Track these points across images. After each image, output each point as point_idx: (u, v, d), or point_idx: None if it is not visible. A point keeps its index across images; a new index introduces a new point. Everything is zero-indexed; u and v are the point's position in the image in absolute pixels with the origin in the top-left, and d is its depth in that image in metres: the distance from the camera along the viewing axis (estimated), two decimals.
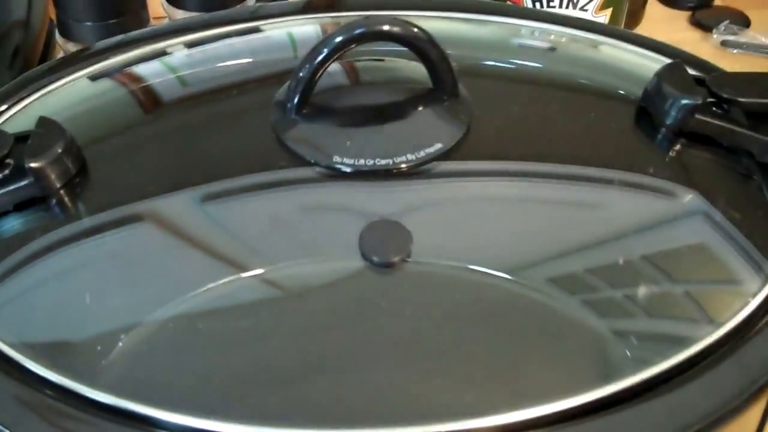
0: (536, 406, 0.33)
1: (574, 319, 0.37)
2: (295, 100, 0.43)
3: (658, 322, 0.37)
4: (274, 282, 0.38)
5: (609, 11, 0.71)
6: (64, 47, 0.61)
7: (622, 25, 0.73)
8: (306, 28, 0.53)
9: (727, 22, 0.89)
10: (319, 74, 0.42)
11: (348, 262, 0.38)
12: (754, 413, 0.38)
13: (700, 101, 0.43)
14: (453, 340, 0.36)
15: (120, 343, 0.35)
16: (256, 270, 0.38)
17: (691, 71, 0.46)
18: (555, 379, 0.35)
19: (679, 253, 0.40)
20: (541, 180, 0.43)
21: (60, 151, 0.41)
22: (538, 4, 0.70)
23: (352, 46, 0.42)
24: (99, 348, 0.35)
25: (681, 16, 0.92)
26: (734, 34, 0.88)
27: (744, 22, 0.91)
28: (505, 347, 0.36)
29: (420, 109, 0.44)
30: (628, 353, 0.36)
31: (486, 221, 0.40)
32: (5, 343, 0.36)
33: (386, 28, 0.42)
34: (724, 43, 0.87)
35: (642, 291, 0.38)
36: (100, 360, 0.35)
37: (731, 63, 0.84)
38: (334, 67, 0.45)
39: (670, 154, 0.43)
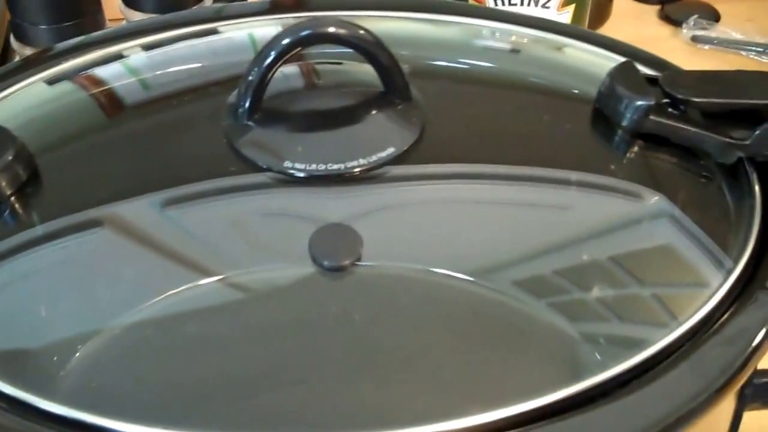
0: (488, 411, 0.32)
1: (527, 320, 0.37)
2: (246, 104, 0.42)
3: (613, 323, 0.37)
4: (227, 289, 0.37)
5: (572, 8, 0.70)
6: (20, 52, 0.60)
7: (587, 22, 0.73)
8: (267, 29, 0.52)
9: (696, 16, 0.89)
10: (267, 78, 0.42)
11: (300, 268, 0.37)
12: (723, 415, 0.38)
13: (653, 102, 0.42)
14: (408, 343, 0.36)
15: (75, 353, 0.35)
16: (210, 278, 0.38)
17: (648, 70, 0.46)
18: (510, 383, 0.34)
19: (636, 254, 0.39)
20: (496, 183, 0.43)
21: (10, 158, 0.40)
22: (500, 2, 0.70)
23: (299, 48, 0.42)
24: (53, 358, 0.35)
25: (650, 11, 0.92)
26: (704, 29, 0.88)
27: (713, 16, 0.91)
28: (458, 349, 0.35)
29: (372, 113, 0.43)
30: (585, 355, 0.35)
31: (440, 224, 0.40)
32: None
33: (332, 30, 0.42)
34: (695, 39, 0.87)
35: (596, 292, 0.38)
36: (55, 371, 0.34)
37: (702, 60, 0.84)
38: (289, 70, 0.45)
39: (628, 155, 0.43)
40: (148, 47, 0.51)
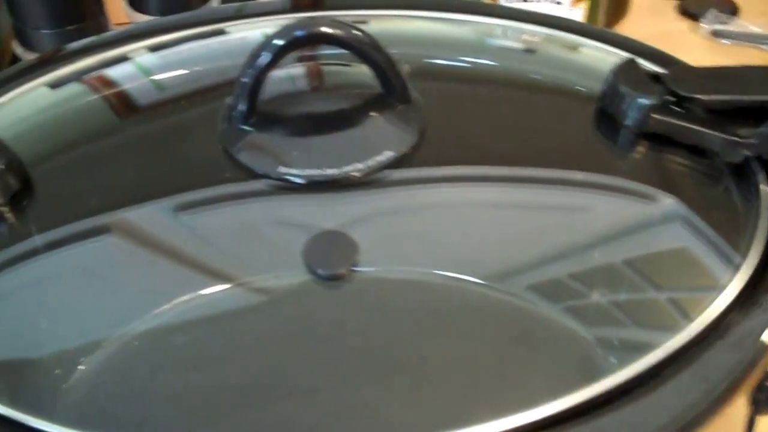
0: (494, 419, 0.32)
1: (529, 323, 0.36)
2: (240, 108, 0.41)
3: (621, 326, 0.36)
4: (223, 300, 0.37)
5: (586, 3, 0.69)
6: (23, 57, 0.60)
7: (602, 18, 0.72)
8: None
9: (714, 10, 0.87)
10: (261, 81, 0.41)
11: (296, 277, 0.37)
12: (735, 420, 0.37)
13: (656, 101, 0.41)
14: (411, 350, 0.35)
15: (76, 367, 0.34)
16: (205, 289, 0.37)
17: (655, 66, 0.45)
18: (519, 388, 0.34)
19: (641, 255, 0.38)
20: (498, 185, 0.42)
21: (0, 168, 0.39)
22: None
23: (293, 50, 0.42)
24: (52, 374, 0.35)
25: (668, 6, 0.90)
26: (723, 23, 0.86)
27: (732, 9, 0.90)
28: (458, 356, 0.35)
29: (370, 115, 0.42)
30: (596, 358, 0.35)
31: (440, 228, 0.39)
32: None
33: (324, 30, 0.41)
34: (715, 34, 0.85)
35: (602, 294, 0.37)
36: (55, 387, 0.34)
37: (721, 55, 0.82)
38: (288, 71, 0.44)
39: (632, 154, 0.42)
40: (157, 48, 0.51)
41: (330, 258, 0.36)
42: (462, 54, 0.50)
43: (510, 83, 0.48)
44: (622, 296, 0.37)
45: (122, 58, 0.50)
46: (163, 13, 0.63)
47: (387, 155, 0.40)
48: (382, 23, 0.51)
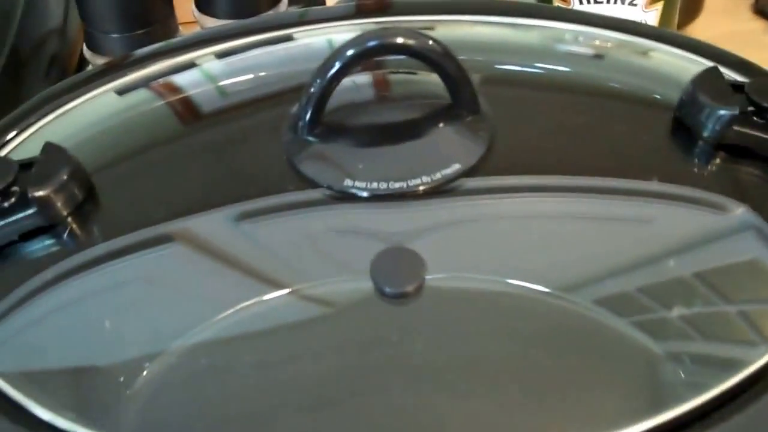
0: None
1: (614, 340, 0.35)
2: (306, 118, 0.41)
3: (704, 342, 0.35)
4: (285, 311, 0.36)
5: (661, 4, 0.67)
6: (92, 61, 0.60)
7: (676, 19, 0.70)
8: (346, 36, 0.51)
9: None
10: (329, 91, 0.40)
11: (360, 290, 0.36)
12: None
13: (737, 112, 0.40)
14: (482, 368, 0.34)
15: (128, 387, 0.34)
16: (266, 299, 0.36)
17: (736, 75, 0.43)
18: (594, 407, 0.33)
19: (719, 269, 0.37)
20: (569, 196, 0.41)
21: (65, 178, 0.39)
22: (585, 0, 0.68)
23: (364, 59, 0.41)
24: (112, 387, 0.34)
25: (743, 5, 0.88)
26: None
27: None
28: (535, 373, 0.34)
29: (437, 126, 0.41)
30: (675, 377, 0.34)
31: (509, 242, 0.38)
32: (9, 383, 0.34)
33: (399, 41, 0.40)
34: None
35: (686, 309, 0.36)
36: (116, 401, 0.34)
37: None
38: (356, 80, 0.44)
39: (710, 167, 0.41)
40: (224, 54, 0.50)
41: (397, 275, 0.36)
42: (532, 60, 0.49)
43: (582, 90, 0.47)
44: (694, 310, 0.36)
45: (188, 65, 0.50)
46: (230, 16, 0.62)
47: (454, 168, 0.39)
48: (449, 29, 0.50)
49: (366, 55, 0.40)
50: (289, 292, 0.37)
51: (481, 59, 0.48)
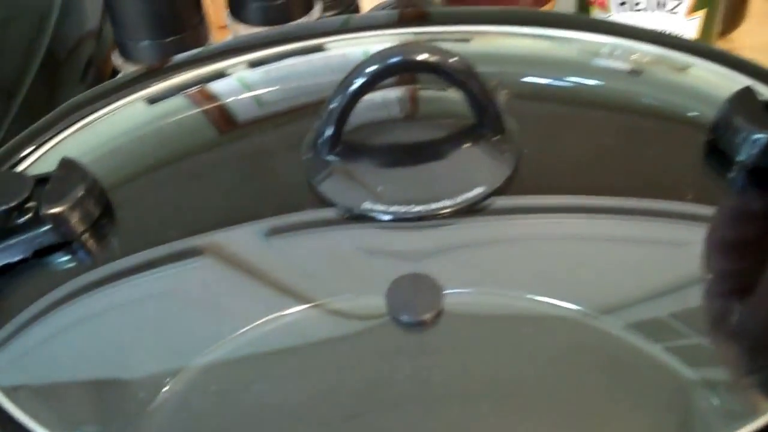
0: None
1: (640, 366, 0.34)
2: (326, 137, 0.40)
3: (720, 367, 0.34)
4: (302, 331, 0.36)
5: (702, 13, 0.66)
6: (122, 68, 0.59)
7: (717, 28, 0.68)
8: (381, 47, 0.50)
9: None
10: (350, 109, 0.40)
11: (377, 320, 0.35)
12: None
13: None
14: (506, 399, 0.34)
15: (147, 404, 0.34)
16: (283, 318, 0.36)
17: None
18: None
19: None
20: (597, 218, 0.40)
21: (80, 195, 0.39)
22: (625, 7, 0.66)
23: (387, 77, 0.40)
24: (130, 405, 0.34)
25: None
26: None
27: None
28: (555, 398, 0.33)
29: (460, 147, 0.40)
30: (714, 406, 0.33)
31: (534, 269, 0.37)
32: (19, 401, 0.34)
33: (421, 58, 0.39)
34: None
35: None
36: (135, 418, 0.33)
37: None
38: (380, 96, 0.43)
39: (743, 188, 0.39)
40: (259, 63, 0.49)
41: (414, 303, 0.35)
42: (566, 74, 0.48)
43: (615, 107, 0.46)
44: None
45: (219, 74, 0.49)
46: (263, 23, 0.62)
47: (477, 191, 0.38)
48: (485, 41, 0.49)
49: (387, 73, 0.39)
50: (302, 319, 0.36)
51: (514, 72, 0.47)
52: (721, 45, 0.76)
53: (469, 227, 0.38)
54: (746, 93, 0.40)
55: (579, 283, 0.37)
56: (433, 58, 0.39)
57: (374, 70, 0.39)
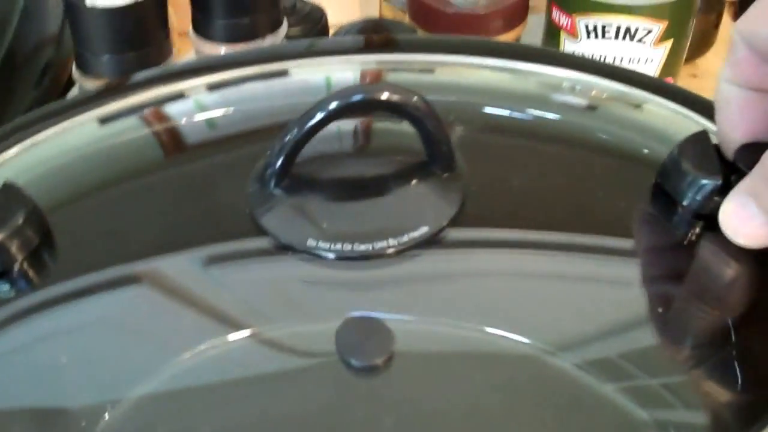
0: None
1: (595, 407, 0.34)
2: (274, 170, 0.40)
3: (674, 409, 0.34)
4: (243, 385, 0.35)
5: (669, 43, 0.66)
6: (80, 83, 0.58)
7: (684, 56, 0.69)
8: (345, 74, 0.49)
9: None
10: (303, 144, 0.39)
11: (325, 367, 0.35)
12: None
13: (719, 182, 0.38)
14: None
15: (86, 423, 0.33)
16: (218, 351, 0.35)
17: None
18: None
19: None
20: (541, 259, 0.40)
21: (19, 223, 0.38)
22: (593, 35, 0.66)
23: (346, 114, 0.40)
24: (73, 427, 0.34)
25: None
26: None
27: None
28: None
29: (409, 184, 0.40)
30: None
31: (479, 311, 0.37)
32: None
33: (384, 97, 0.39)
34: None
35: (651, 372, 0.35)
36: None
37: None
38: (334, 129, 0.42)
39: (688, 236, 0.39)
40: (218, 86, 0.49)
41: (364, 347, 0.34)
42: (525, 107, 0.48)
43: (570, 142, 0.46)
44: (675, 378, 0.35)
45: (178, 95, 0.48)
46: (227, 41, 0.61)
47: (422, 231, 0.38)
48: (448, 70, 0.50)
49: (349, 111, 0.39)
50: (242, 350, 0.36)
51: (474, 102, 0.47)
52: (686, 70, 0.76)
53: (414, 267, 0.38)
54: (700, 136, 0.40)
55: (523, 318, 0.36)
56: (395, 98, 0.39)
57: (335, 108, 0.39)
